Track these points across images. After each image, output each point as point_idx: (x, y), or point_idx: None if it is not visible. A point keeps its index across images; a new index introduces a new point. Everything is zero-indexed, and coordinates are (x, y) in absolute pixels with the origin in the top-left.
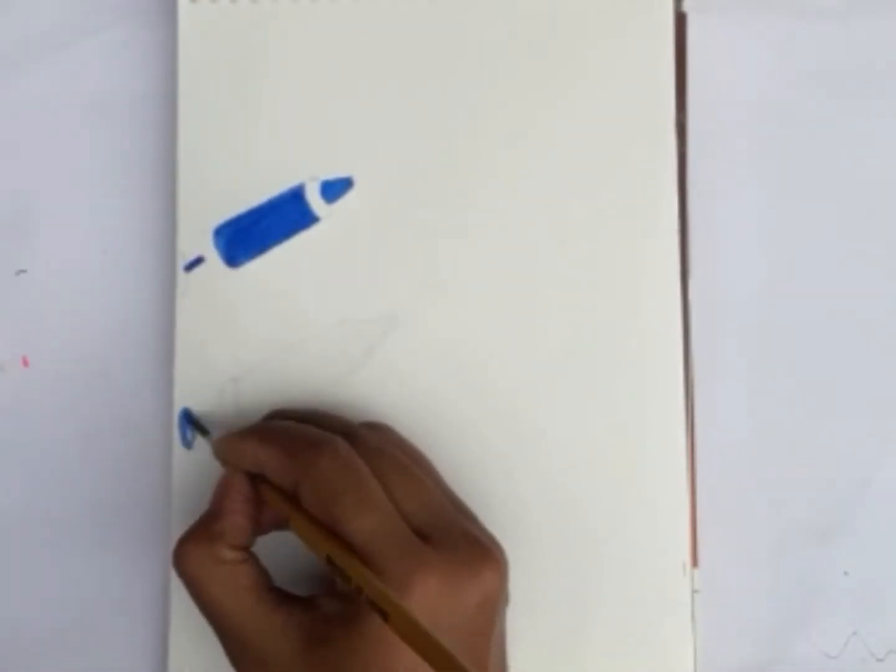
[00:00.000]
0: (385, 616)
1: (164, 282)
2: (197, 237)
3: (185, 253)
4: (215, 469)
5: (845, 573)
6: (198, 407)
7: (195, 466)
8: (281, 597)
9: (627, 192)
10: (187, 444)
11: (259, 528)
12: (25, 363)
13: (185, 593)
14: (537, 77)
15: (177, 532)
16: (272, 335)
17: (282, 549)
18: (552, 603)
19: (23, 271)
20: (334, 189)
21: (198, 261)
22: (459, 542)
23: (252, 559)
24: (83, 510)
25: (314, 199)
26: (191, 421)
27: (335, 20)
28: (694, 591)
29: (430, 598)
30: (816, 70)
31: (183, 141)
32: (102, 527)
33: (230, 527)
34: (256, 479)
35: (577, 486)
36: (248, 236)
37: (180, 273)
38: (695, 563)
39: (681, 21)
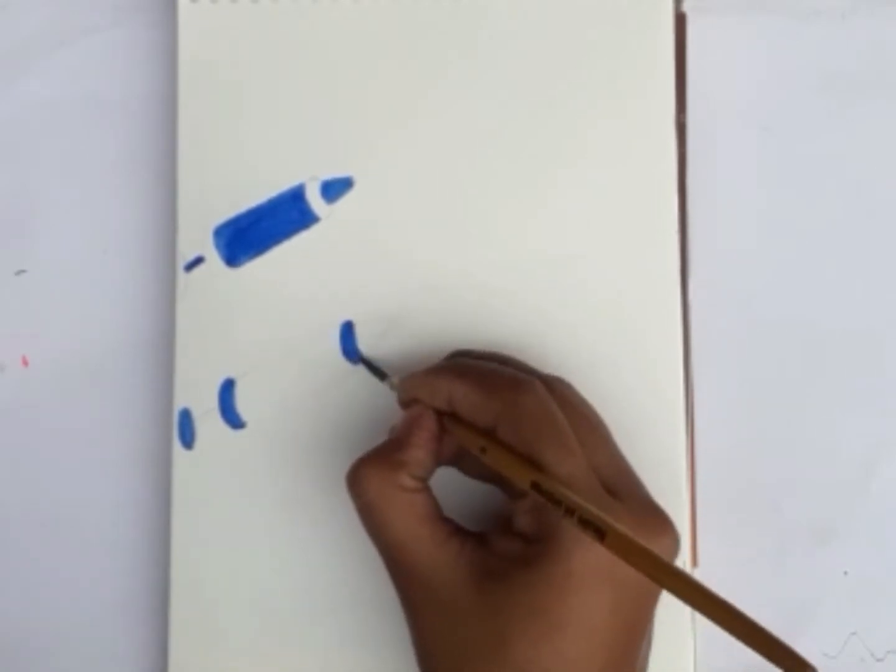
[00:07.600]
0: (601, 536)
1: (164, 282)
2: (197, 237)
3: (185, 253)
4: (216, 468)
5: (845, 573)
6: (197, 407)
7: (195, 466)
8: (453, 528)
9: (627, 193)
10: (187, 443)
11: (437, 465)
12: (25, 363)
13: (186, 593)
14: (537, 78)
15: (177, 532)
16: (272, 335)
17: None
18: None
19: (23, 271)
20: (334, 189)
21: (198, 261)
22: (643, 506)
23: (428, 489)
24: (82, 510)
25: (314, 198)
26: (366, 363)
27: (336, 20)
28: None
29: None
30: (816, 70)
31: (183, 141)
32: (102, 527)
33: (413, 459)
34: (442, 416)
35: None
36: (248, 236)
37: (180, 273)
38: (695, 562)
39: (681, 21)
